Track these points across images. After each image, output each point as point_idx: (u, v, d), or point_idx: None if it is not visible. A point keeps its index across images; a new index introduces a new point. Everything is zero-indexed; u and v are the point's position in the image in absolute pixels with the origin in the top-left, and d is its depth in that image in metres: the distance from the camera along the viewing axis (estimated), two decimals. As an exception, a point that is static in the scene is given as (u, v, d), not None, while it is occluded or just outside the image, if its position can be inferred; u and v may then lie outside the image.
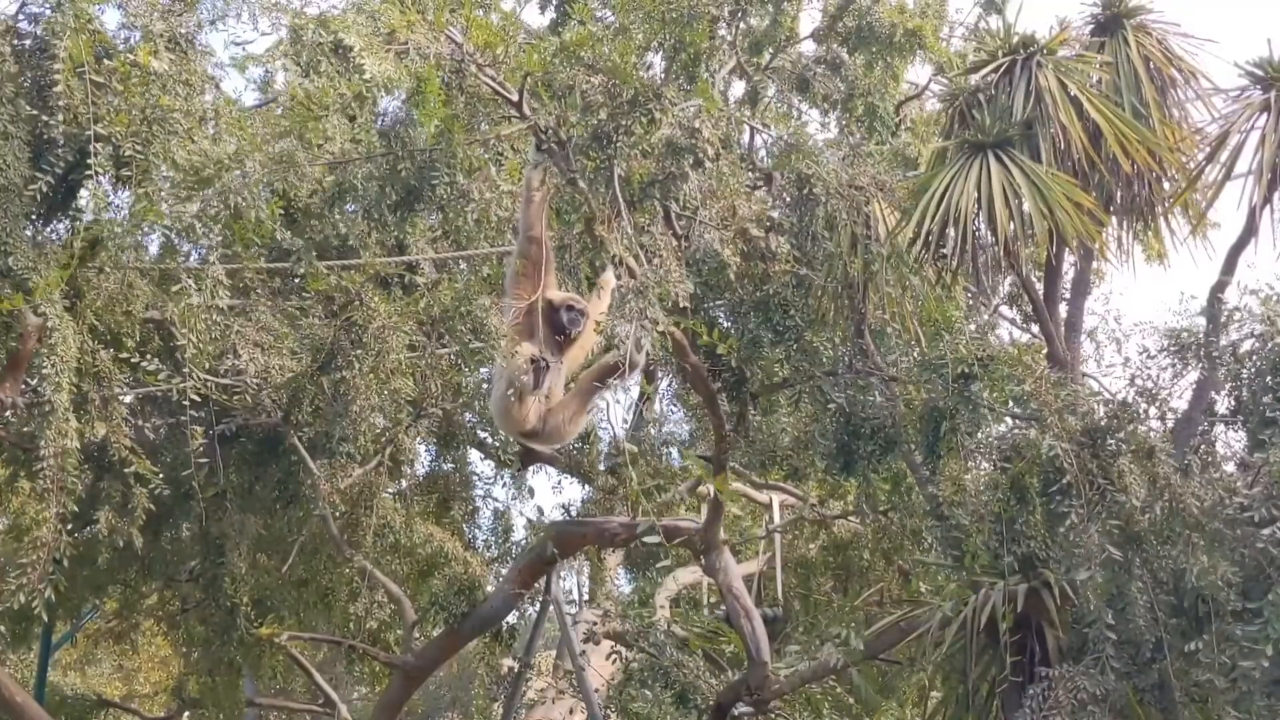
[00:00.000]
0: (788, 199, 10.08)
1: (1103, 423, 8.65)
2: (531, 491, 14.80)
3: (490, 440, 14.12)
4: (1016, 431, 9.21)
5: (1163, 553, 8.19)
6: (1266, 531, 7.71)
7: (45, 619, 10.79)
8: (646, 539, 8.49)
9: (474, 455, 15.11)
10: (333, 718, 15.83)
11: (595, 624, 11.80)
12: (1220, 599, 7.84)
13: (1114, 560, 8.11)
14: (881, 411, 9.73)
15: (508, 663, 13.55)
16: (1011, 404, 9.32)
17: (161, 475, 9.53)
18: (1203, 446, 9.53)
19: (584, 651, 11.66)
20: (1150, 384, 9.46)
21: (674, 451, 15.80)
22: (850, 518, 14.49)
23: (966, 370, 9.12)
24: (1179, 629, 8.11)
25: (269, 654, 13.59)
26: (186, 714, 18.47)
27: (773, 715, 11.31)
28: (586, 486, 14.22)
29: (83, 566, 11.91)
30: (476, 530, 15.06)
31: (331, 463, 11.38)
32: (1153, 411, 9.54)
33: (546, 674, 13.04)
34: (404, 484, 13.90)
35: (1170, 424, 9.68)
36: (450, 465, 14.74)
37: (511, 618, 12.88)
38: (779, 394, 11.54)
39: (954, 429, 9.19)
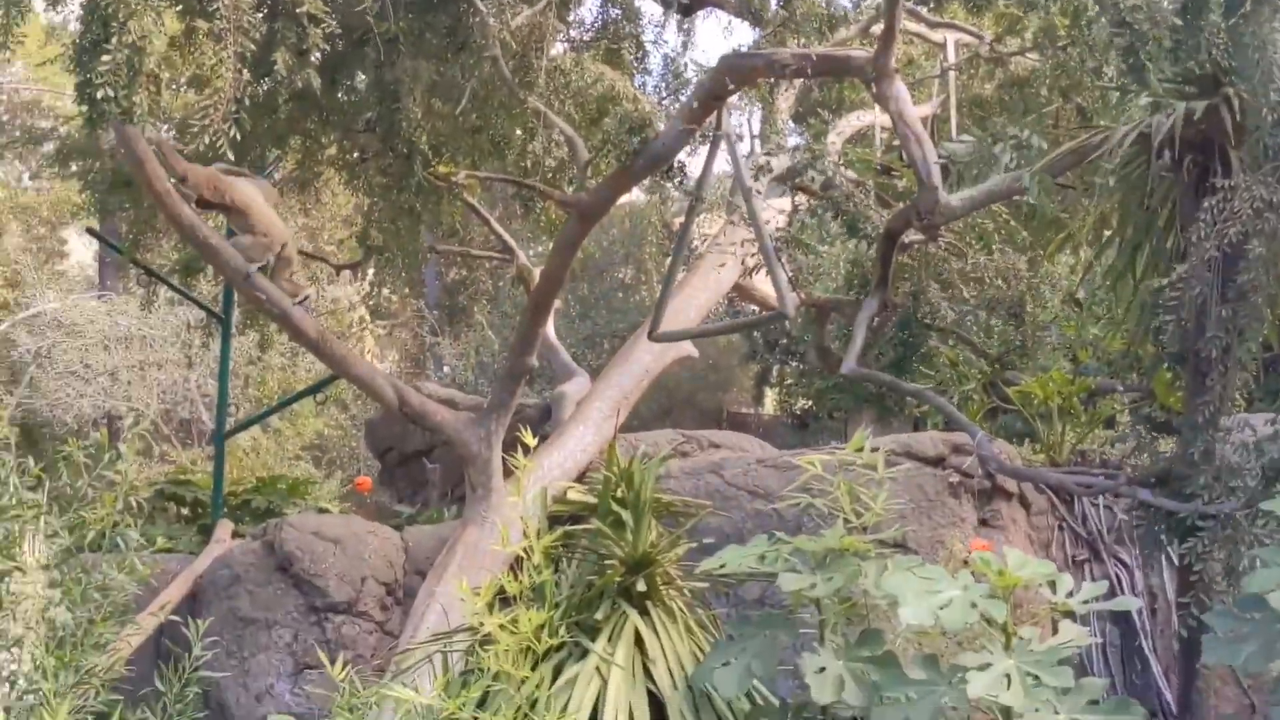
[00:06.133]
0: None
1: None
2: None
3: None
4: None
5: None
6: None
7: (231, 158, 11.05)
8: None
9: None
10: (511, 264, 16.47)
11: (766, 159, 11.77)
12: None
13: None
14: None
15: (679, 220, 13.71)
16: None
17: (334, 16, 9.64)
18: None
19: (757, 190, 11.63)
20: None
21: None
22: (1028, 54, 14.06)
23: None
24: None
25: (447, 200, 13.97)
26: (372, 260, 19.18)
27: (941, 244, 11.32)
28: (756, 29, 13.95)
29: (263, 119, 12.26)
30: (646, 76, 15.00)
31: (500, 2, 11.35)
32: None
33: (719, 208, 13.14)
34: (571, 32, 13.83)
35: None
36: (618, 10, 14.55)
37: (683, 155, 12.92)
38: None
39: None
